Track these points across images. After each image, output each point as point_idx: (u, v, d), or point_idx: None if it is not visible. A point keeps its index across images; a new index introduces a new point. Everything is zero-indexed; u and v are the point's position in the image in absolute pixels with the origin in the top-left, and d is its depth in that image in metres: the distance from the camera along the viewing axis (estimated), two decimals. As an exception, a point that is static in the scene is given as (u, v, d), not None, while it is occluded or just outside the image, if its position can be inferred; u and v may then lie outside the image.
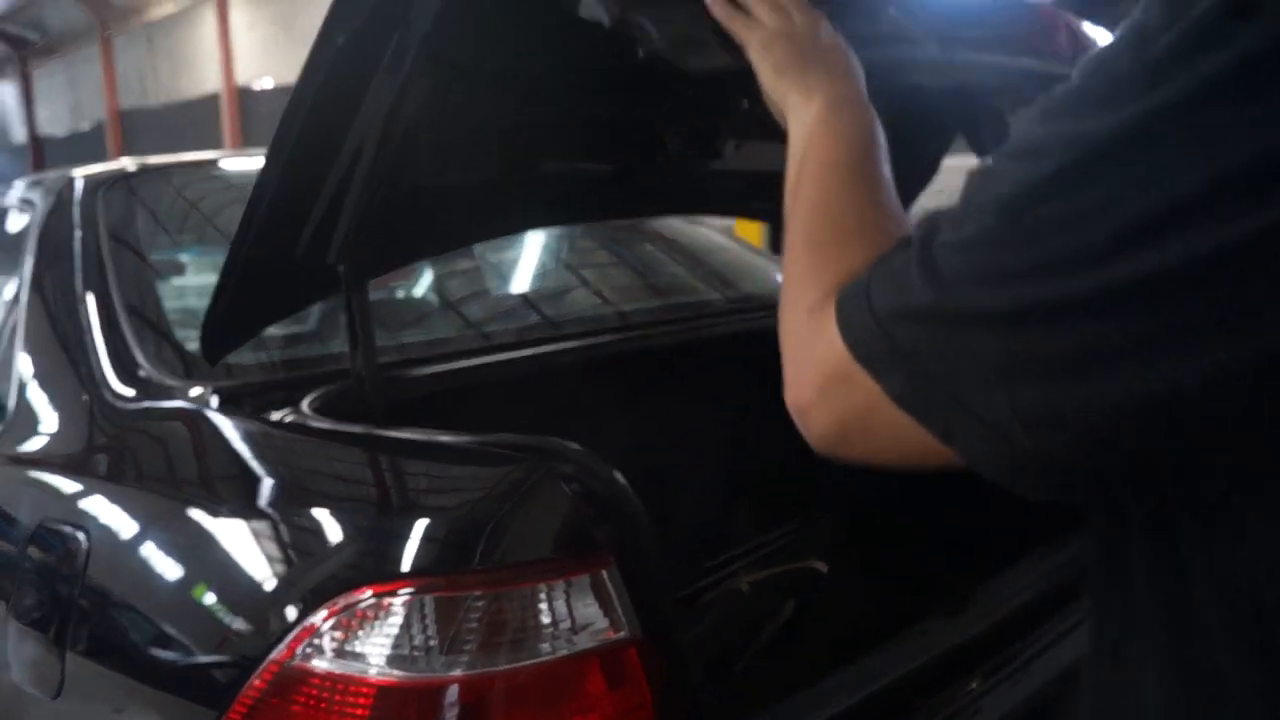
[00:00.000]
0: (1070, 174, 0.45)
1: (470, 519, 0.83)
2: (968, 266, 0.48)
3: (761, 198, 1.76)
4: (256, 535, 0.92)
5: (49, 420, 1.29)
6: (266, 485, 1.00)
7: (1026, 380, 0.46)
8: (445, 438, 0.94)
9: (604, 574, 0.82)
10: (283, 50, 14.78)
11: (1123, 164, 0.43)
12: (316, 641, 0.81)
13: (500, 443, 0.89)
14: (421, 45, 0.94)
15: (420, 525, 0.84)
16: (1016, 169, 0.47)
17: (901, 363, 0.50)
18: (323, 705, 0.81)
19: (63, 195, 1.57)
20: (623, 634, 0.82)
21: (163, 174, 1.74)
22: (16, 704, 1.10)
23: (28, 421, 1.30)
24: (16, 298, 1.46)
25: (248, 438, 1.07)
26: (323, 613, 0.82)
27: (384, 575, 0.82)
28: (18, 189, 1.78)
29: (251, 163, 1.91)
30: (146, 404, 1.19)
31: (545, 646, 0.80)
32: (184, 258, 1.66)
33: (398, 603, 0.80)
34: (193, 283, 1.61)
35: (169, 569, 0.98)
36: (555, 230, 2.07)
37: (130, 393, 1.20)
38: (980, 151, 1.34)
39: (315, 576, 0.87)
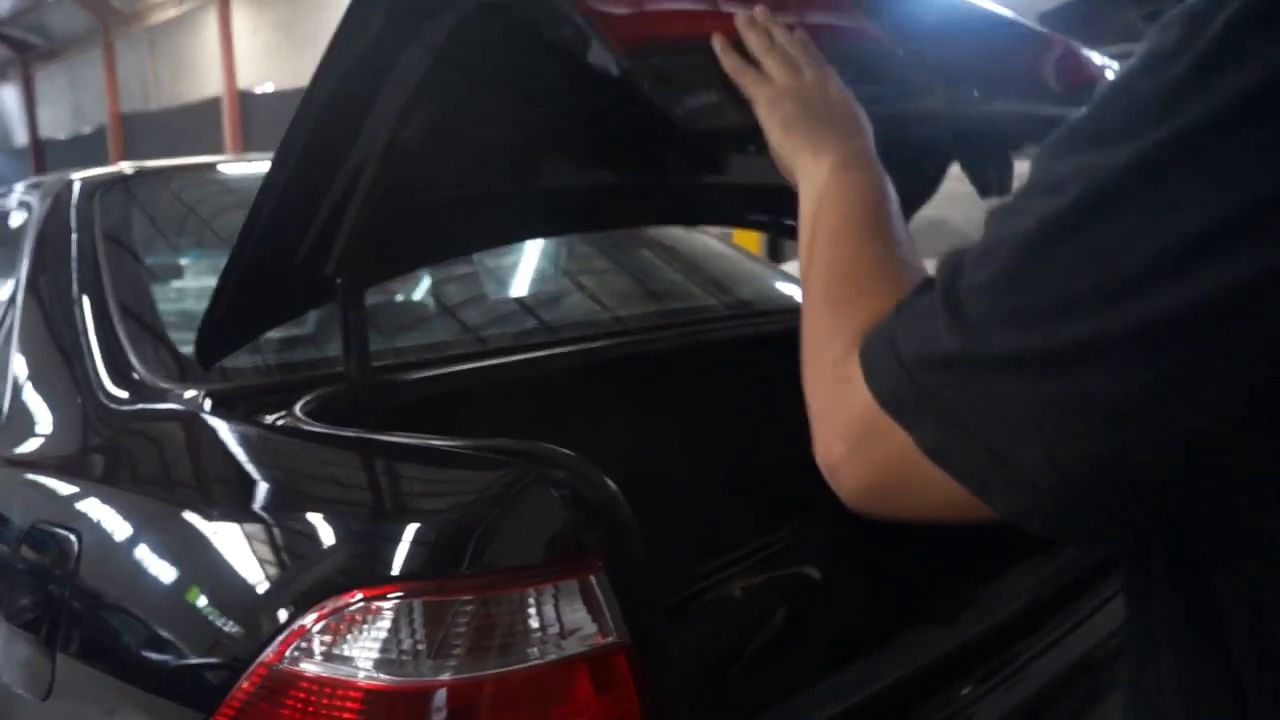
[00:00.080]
0: (1092, 207, 0.43)
1: (460, 523, 0.83)
2: (993, 308, 0.46)
3: (760, 209, 1.77)
4: (247, 538, 0.92)
5: (43, 422, 1.29)
6: (258, 488, 1.00)
7: (1061, 427, 0.44)
8: (436, 442, 0.94)
9: (593, 579, 0.82)
10: (284, 55, 14.80)
11: (1147, 194, 0.42)
12: (305, 645, 0.81)
13: (491, 447, 0.89)
14: (435, 59, 0.94)
15: (410, 529, 0.85)
16: (1037, 205, 0.46)
17: (932, 413, 0.48)
18: (310, 708, 0.81)
19: (60, 198, 1.57)
20: (611, 639, 0.82)
21: (160, 178, 1.74)
22: (5, 705, 1.10)
23: (21, 423, 1.30)
24: (13, 299, 1.47)
25: (240, 441, 1.07)
26: (312, 616, 0.82)
27: (374, 578, 0.82)
28: (17, 191, 1.78)
29: (248, 167, 1.92)
30: (140, 406, 1.19)
31: (533, 651, 0.80)
32: (180, 261, 1.66)
33: (387, 606, 0.80)
34: (188, 286, 1.61)
35: (159, 571, 0.98)
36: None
37: (124, 395, 1.21)
38: (984, 192, 1.32)
39: (305, 579, 0.87)
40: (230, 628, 0.88)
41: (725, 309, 1.99)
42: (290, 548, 0.91)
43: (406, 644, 0.79)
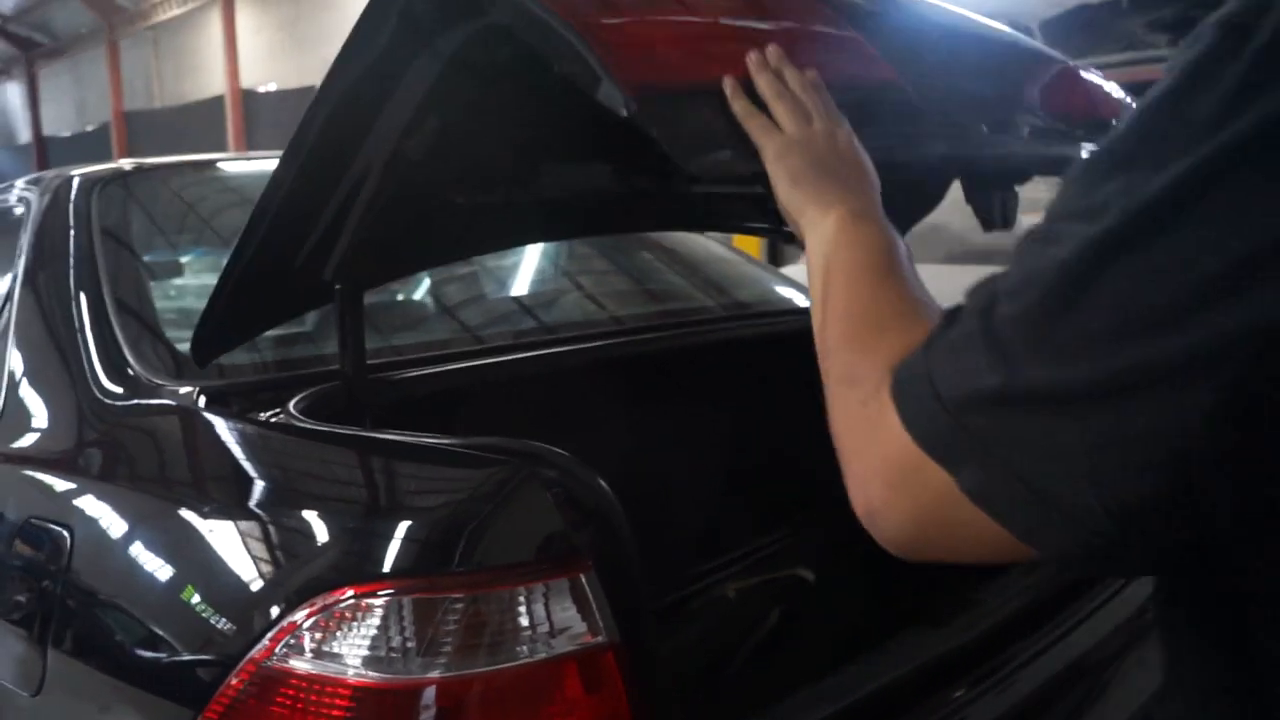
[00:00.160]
0: (1138, 229, 0.41)
1: (451, 521, 0.83)
2: (1034, 342, 0.44)
3: (762, 216, 1.76)
4: (238, 534, 0.92)
5: (38, 417, 1.29)
6: (250, 484, 1.01)
7: (1113, 462, 0.42)
8: (428, 440, 0.94)
9: (582, 578, 0.82)
10: (288, 54, 14.81)
11: (1199, 211, 0.40)
12: (295, 641, 0.81)
13: (483, 446, 0.89)
14: (445, 68, 0.94)
15: (401, 526, 0.85)
16: (1075, 231, 0.43)
17: (974, 454, 0.46)
18: (299, 706, 0.81)
19: (59, 194, 1.57)
20: (600, 639, 0.82)
21: (158, 174, 1.75)
22: (-4, 700, 1.10)
23: (17, 418, 1.30)
24: (10, 294, 1.47)
25: (233, 437, 1.07)
26: (302, 612, 0.82)
27: (364, 575, 0.82)
28: (16, 187, 1.79)
29: (246, 165, 1.92)
30: (134, 402, 1.19)
31: (523, 650, 0.80)
32: (177, 257, 1.66)
33: (377, 603, 0.80)
34: (185, 282, 1.61)
35: (151, 567, 0.98)
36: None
37: (118, 390, 1.21)
38: (987, 225, 1.31)
39: (295, 576, 0.87)
40: (220, 624, 0.88)
41: (723, 310, 1.99)
42: (281, 544, 0.91)
43: (396, 641, 0.79)
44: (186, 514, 0.98)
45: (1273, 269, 0.38)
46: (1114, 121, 1.22)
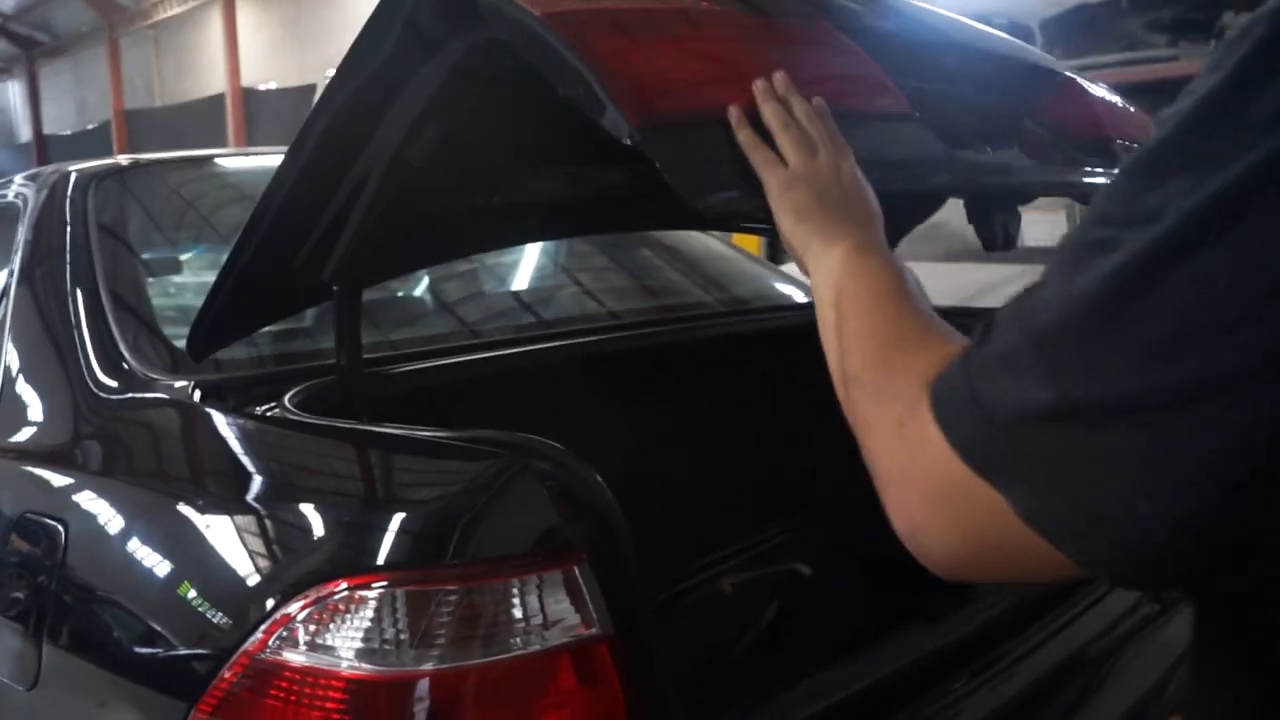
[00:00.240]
0: (1202, 232, 0.39)
1: (444, 513, 0.83)
2: (1088, 353, 0.42)
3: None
4: (232, 527, 0.92)
5: (34, 411, 1.29)
6: (244, 478, 1.00)
7: (1174, 478, 0.40)
8: (422, 433, 0.94)
9: (576, 571, 0.82)
10: (289, 52, 14.80)
11: (1267, 209, 0.38)
12: (288, 634, 0.81)
13: (477, 439, 0.89)
14: (450, 76, 0.94)
15: (395, 519, 0.84)
16: (1129, 236, 0.41)
17: (1027, 474, 0.44)
18: (293, 698, 0.81)
19: (55, 189, 1.57)
20: (594, 631, 0.82)
21: (154, 170, 1.75)
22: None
23: (12, 412, 1.30)
24: (6, 289, 1.47)
25: (227, 431, 1.07)
26: (296, 605, 0.81)
27: (358, 568, 0.82)
28: (14, 183, 1.79)
29: (243, 161, 1.92)
30: (129, 395, 1.19)
31: (516, 642, 0.80)
32: (173, 252, 1.66)
33: (371, 595, 0.80)
34: (181, 277, 1.61)
35: (144, 560, 0.98)
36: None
37: (113, 384, 1.21)
38: (989, 246, 1.30)
39: (289, 568, 0.87)
40: (214, 617, 0.88)
41: (722, 306, 1.99)
42: (275, 537, 0.91)
43: (390, 633, 0.79)
44: (180, 507, 0.98)
45: None
46: (1118, 139, 1.22)
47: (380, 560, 0.81)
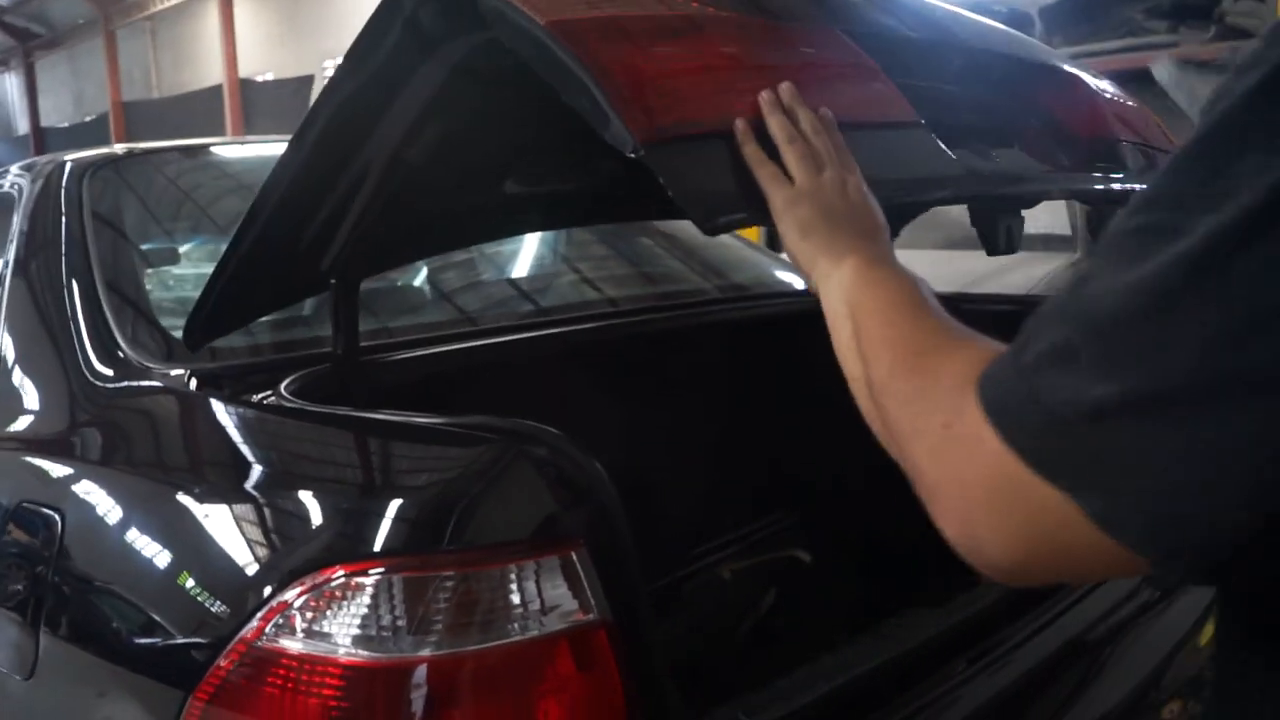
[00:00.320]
0: (1276, 211, 0.38)
1: (441, 499, 0.83)
2: (1157, 342, 0.40)
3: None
4: (228, 515, 0.92)
5: (30, 400, 1.29)
6: (240, 465, 1.00)
7: (1252, 470, 0.39)
8: (419, 419, 0.94)
9: (574, 556, 0.81)
10: (285, 43, 14.76)
11: None
12: (285, 621, 0.81)
13: (473, 424, 0.89)
14: (450, 75, 0.94)
15: (392, 505, 0.84)
16: (1197, 219, 0.40)
17: (1095, 474, 0.42)
18: (290, 685, 0.80)
19: (50, 179, 1.57)
20: (592, 616, 0.82)
21: (150, 159, 1.74)
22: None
23: (8, 402, 1.30)
24: (1, 279, 1.46)
25: (224, 419, 1.06)
26: (292, 592, 0.81)
27: (355, 554, 0.81)
28: (10, 173, 1.78)
29: (238, 150, 1.91)
30: (125, 384, 1.19)
31: (514, 628, 0.80)
32: (168, 241, 1.66)
33: (367, 582, 0.79)
34: (177, 266, 1.61)
35: (140, 548, 0.98)
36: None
37: (109, 373, 1.20)
38: (992, 250, 1.30)
39: (285, 555, 0.86)
40: (210, 604, 0.88)
41: (720, 293, 1.98)
42: (271, 524, 0.90)
43: (387, 620, 0.79)
44: (176, 495, 0.98)
45: None
46: (1124, 141, 1.21)
47: (377, 547, 0.81)
